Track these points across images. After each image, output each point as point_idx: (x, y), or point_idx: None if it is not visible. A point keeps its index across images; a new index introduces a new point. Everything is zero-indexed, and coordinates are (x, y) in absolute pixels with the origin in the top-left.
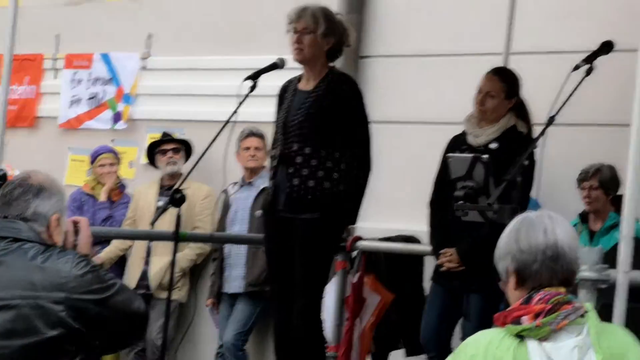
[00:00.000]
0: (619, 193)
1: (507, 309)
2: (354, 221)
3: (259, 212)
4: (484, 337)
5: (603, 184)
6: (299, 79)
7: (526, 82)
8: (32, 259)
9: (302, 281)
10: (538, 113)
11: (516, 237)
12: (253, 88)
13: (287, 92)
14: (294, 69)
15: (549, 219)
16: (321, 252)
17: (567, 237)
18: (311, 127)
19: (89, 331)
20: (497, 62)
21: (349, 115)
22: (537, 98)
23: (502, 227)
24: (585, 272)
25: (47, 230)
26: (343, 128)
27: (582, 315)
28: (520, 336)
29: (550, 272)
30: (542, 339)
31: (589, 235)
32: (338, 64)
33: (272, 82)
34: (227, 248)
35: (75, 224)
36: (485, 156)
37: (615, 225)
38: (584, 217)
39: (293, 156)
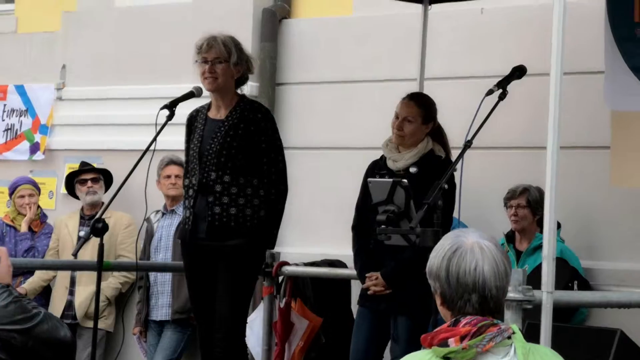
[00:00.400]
0: None
1: (434, 331)
2: (273, 246)
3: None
4: None
5: (531, 203)
6: (207, 107)
7: (441, 106)
8: None
9: (226, 307)
10: (454, 137)
11: (446, 266)
12: (171, 117)
13: (196, 121)
14: (206, 97)
15: (479, 251)
16: (246, 277)
17: (494, 276)
18: (228, 155)
19: None
20: (412, 87)
21: (264, 142)
22: (452, 122)
23: (426, 250)
24: (511, 293)
25: None
26: (259, 155)
27: (508, 337)
28: (447, 358)
29: (475, 310)
30: None
31: (515, 255)
32: (255, 91)
33: (189, 111)
34: (153, 276)
35: None
36: (405, 180)
37: (541, 246)
38: (509, 238)
39: (212, 185)
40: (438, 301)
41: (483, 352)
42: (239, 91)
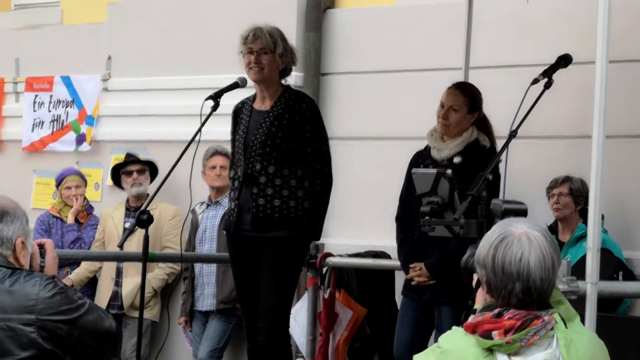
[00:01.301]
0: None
1: (478, 319)
2: (318, 237)
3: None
4: (455, 349)
5: (573, 192)
6: (252, 99)
7: (486, 96)
8: (0, 283)
9: (271, 298)
10: (498, 126)
11: (493, 255)
12: (215, 107)
13: (242, 113)
14: (251, 88)
15: (527, 241)
16: (291, 269)
17: (539, 267)
18: (273, 146)
19: (62, 351)
20: (457, 76)
21: (309, 132)
22: (496, 111)
23: (470, 241)
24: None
25: (13, 253)
26: (304, 146)
27: (551, 329)
28: (490, 349)
29: (520, 301)
30: (512, 353)
31: (557, 246)
32: (299, 81)
33: (234, 101)
34: (198, 267)
35: (41, 246)
36: (449, 171)
37: (583, 236)
38: (552, 229)
39: (256, 176)
40: (484, 289)
41: (526, 345)
42: (283, 82)
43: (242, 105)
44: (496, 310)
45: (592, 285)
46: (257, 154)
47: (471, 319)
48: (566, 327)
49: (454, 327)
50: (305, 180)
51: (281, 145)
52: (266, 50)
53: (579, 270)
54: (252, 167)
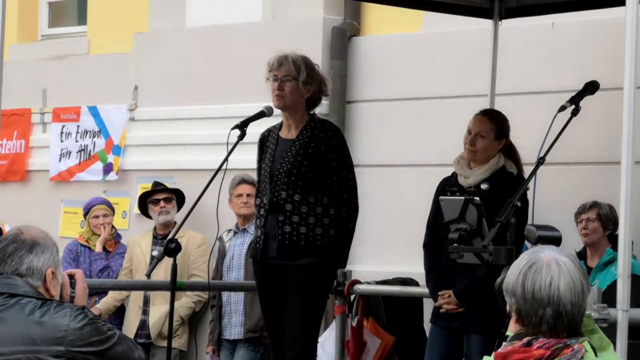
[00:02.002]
0: (616, 233)
1: (507, 349)
2: (344, 265)
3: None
4: None
5: (601, 217)
6: (279, 127)
7: (512, 122)
8: (30, 314)
9: (298, 326)
10: (524, 153)
11: (522, 281)
12: (242, 136)
13: (268, 141)
14: (278, 117)
15: (556, 267)
16: (317, 296)
17: (569, 292)
18: (299, 175)
19: None
20: (483, 103)
21: (335, 161)
22: (523, 138)
23: (499, 268)
24: (586, 311)
25: (43, 284)
26: (329, 173)
27: (581, 357)
28: None
29: (551, 327)
30: None
31: (586, 271)
32: (325, 109)
33: (260, 130)
34: (225, 295)
35: (71, 276)
36: (477, 198)
37: (611, 261)
38: (581, 255)
39: (282, 204)
40: (513, 318)
41: None
42: (311, 112)
43: (269, 134)
44: (525, 340)
45: (623, 312)
46: (282, 182)
47: (502, 348)
48: (596, 356)
49: (485, 357)
50: (332, 208)
51: (307, 174)
52: (289, 77)
53: (608, 296)
54: (278, 195)
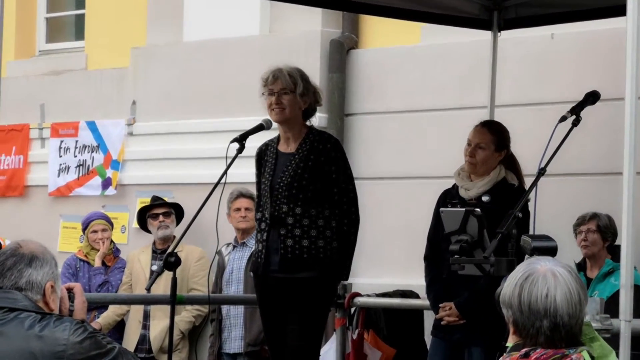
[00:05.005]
0: (615, 243)
1: None
2: (347, 277)
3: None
4: None
5: (601, 229)
6: (277, 140)
7: (512, 133)
8: (30, 328)
9: (299, 340)
10: (525, 164)
11: (518, 293)
12: (241, 150)
13: (266, 155)
14: (275, 130)
15: (552, 278)
16: (319, 310)
17: (566, 303)
18: (299, 188)
19: None
20: (482, 115)
21: (335, 172)
22: (523, 149)
23: (500, 279)
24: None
25: (42, 298)
26: (330, 185)
27: None
28: None
29: (548, 339)
30: None
31: (585, 283)
32: (324, 122)
33: (258, 143)
34: (225, 309)
35: (70, 290)
36: (478, 210)
37: (611, 272)
38: (580, 266)
39: (284, 217)
40: (510, 330)
41: None
42: (307, 123)
43: (266, 148)
44: (523, 351)
45: (625, 322)
46: (283, 196)
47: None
48: None
49: None
50: (333, 220)
51: (307, 187)
52: (286, 90)
53: (608, 307)
54: (279, 209)
